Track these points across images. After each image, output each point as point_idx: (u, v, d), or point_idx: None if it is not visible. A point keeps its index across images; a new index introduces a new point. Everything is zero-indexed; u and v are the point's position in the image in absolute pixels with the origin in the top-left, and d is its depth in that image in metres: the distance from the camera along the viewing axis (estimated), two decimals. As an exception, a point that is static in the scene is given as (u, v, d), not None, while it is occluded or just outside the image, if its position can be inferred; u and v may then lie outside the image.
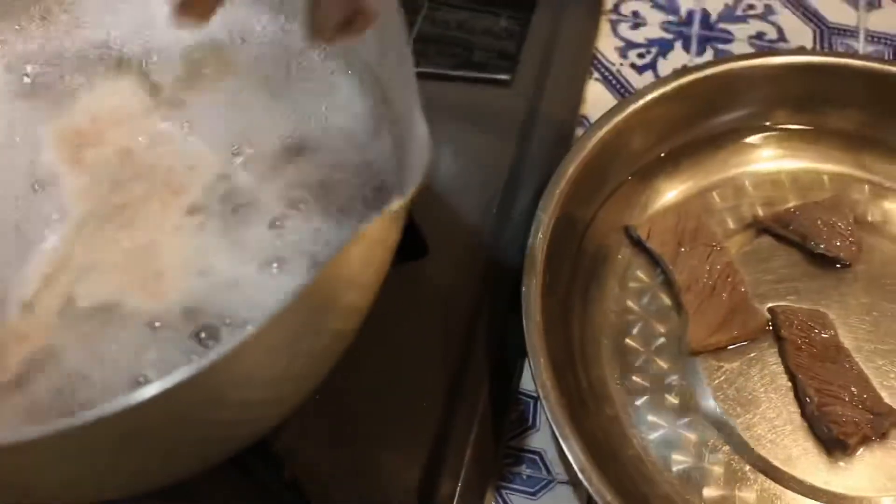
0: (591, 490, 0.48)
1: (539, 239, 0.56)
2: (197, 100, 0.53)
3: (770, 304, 0.58)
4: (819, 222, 0.60)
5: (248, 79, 0.54)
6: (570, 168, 0.59)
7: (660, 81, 0.63)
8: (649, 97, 0.62)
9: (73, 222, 0.48)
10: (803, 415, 0.54)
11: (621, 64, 0.72)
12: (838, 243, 0.59)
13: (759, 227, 0.62)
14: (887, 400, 0.54)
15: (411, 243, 0.57)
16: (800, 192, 0.63)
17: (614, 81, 0.71)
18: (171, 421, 0.35)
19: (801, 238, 0.60)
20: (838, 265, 0.59)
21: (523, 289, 0.54)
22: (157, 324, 0.44)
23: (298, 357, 0.39)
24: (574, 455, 0.49)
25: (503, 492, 0.54)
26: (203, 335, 0.44)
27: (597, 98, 0.70)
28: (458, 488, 0.51)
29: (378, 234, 0.38)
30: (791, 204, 0.62)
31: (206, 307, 0.45)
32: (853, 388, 0.53)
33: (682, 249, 0.59)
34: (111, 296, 0.45)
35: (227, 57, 0.54)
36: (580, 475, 0.49)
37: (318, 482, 0.49)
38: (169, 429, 0.36)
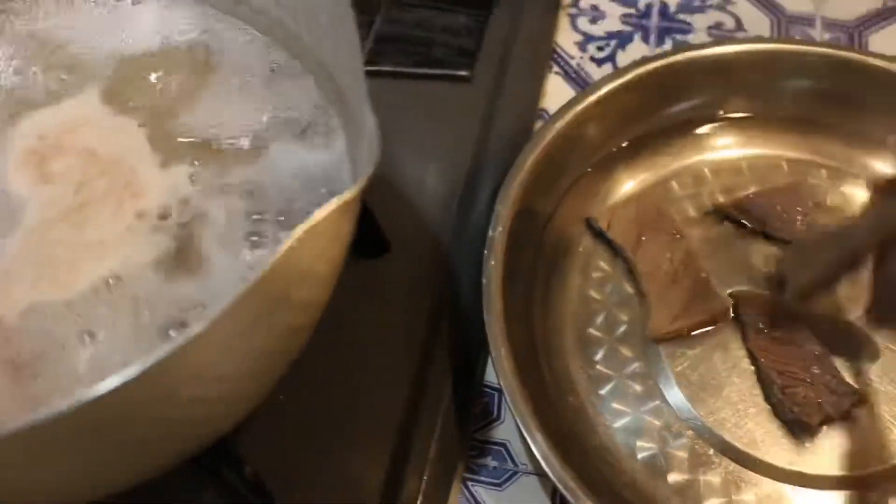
0: (554, 479, 0.48)
1: (499, 232, 0.56)
2: (151, 105, 0.53)
3: (731, 290, 0.58)
4: (778, 208, 0.60)
5: (203, 82, 0.54)
6: (529, 160, 0.59)
7: (617, 73, 0.63)
8: (607, 88, 0.62)
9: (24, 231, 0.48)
10: (766, 398, 0.55)
11: (581, 57, 0.72)
12: (798, 228, 0.60)
13: (720, 215, 0.62)
14: (849, 380, 0.54)
15: (373, 240, 0.57)
16: (759, 178, 0.63)
17: (574, 75, 0.71)
18: (123, 420, 0.35)
19: (761, 224, 0.60)
20: (798, 250, 0.60)
21: (483, 281, 0.54)
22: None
23: (251, 354, 0.39)
24: (537, 445, 0.49)
25: (469, 484, 0.54)
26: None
27: (557, 92, 0.70)
28: (424, 483, 0.51)
29: (328, 228, 0.38)
30: (750, 190, 0.62)
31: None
32: (815, 370, 0.54)
33: (643, 238, 0.59)
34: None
35: (179, 62, 0.54)
36: (544, 465, 0.49)
37: (283, 480, 0.49)
38: (122, 428, 0.36)
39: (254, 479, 0.48)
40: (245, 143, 0.51)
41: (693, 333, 0.57)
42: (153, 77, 0.54)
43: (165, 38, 0.55)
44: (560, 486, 0.48)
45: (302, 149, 0.51)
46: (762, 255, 0.60)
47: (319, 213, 0.36)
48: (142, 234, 0.48)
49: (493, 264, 0.55)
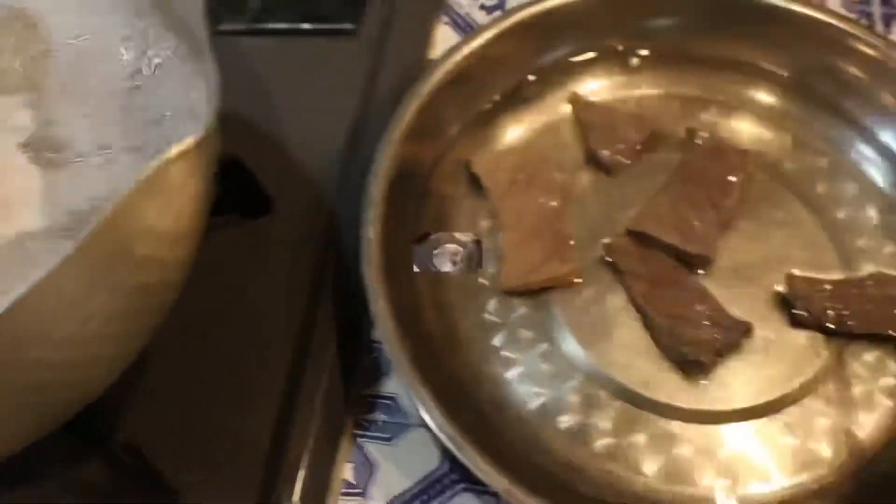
0: (436, 430, 0.48)
1: (378, 184, 0.55)
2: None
3: (606, 240, 0.57)
4: (617, 130, 0.61)
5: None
6: (409, 110, 0.58)
7: (500, 17, 0.62)
8: (490, 34, 0.61)
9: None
10: (657, 343, 0.54)
11: (470, 5, 0.71)
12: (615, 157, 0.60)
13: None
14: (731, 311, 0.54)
15: (254, 199, 0.56)
16: (651, 118, 0.63)
17: (463, 24, 0.70)
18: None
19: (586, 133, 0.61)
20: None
21: (362, 234, 0.53)
22: None
23: (99, 315, 0.38)
24: (419, 398, 0.48)
25: (359, 440, 0.53)
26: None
27: (446, 42, 0.69)
28: (310, 441, 0.50)
29: (168, 180, 0.37)
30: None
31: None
32: (698, 307, 0.54)
33: (513, 189, 0.58)
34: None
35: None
36: (427, 418, 0.48)
37: (164, 446, 0.49)
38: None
39: (128, 445, 0.47)
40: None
41: (583, 277, 0.56)
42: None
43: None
44: (442, 437, 0.47)
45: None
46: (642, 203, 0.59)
47: (152, 166, 0.35)
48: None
49: (372, 216, 0.54)
